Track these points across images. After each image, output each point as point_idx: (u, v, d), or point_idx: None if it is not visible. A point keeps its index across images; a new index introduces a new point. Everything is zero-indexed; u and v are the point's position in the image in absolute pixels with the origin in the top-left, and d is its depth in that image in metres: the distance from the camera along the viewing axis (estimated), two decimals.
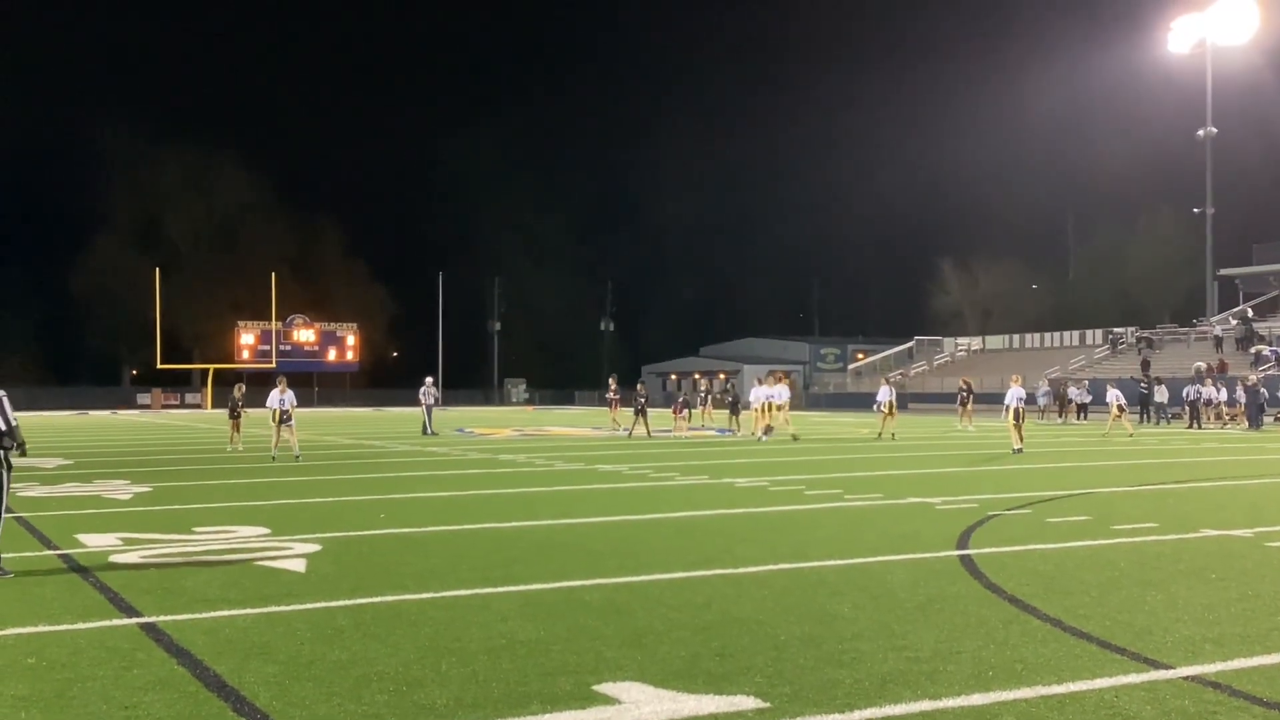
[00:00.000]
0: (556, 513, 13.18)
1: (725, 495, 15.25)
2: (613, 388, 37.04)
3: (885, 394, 32.04)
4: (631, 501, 14.68)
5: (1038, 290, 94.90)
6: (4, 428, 9.02)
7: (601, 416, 49.22)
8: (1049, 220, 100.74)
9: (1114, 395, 33.88)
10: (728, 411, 37.30)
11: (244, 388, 28.34)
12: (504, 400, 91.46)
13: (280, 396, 22.91)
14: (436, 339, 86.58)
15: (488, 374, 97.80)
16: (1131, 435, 32.01)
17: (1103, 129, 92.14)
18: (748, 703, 5.35)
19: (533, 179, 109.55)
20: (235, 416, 27.12)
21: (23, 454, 9.50)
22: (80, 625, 7.06)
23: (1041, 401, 46.84)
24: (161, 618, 7.23)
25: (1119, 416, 33.15)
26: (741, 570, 9.00)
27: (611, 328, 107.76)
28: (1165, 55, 68.21)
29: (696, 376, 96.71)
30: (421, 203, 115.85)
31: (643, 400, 32.94)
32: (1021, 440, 24.22)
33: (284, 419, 22.62)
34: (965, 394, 38.83)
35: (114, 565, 9.27)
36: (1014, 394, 24.55)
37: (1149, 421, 42.28)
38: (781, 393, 30.27)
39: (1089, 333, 71.25)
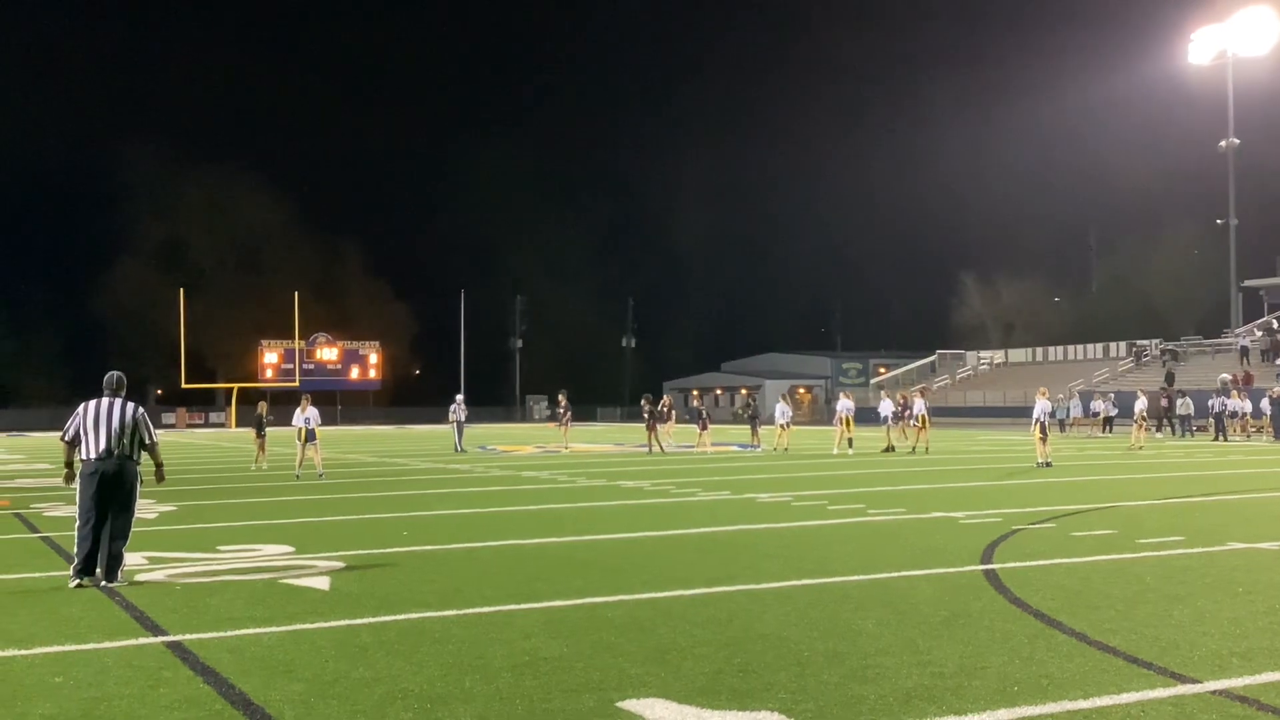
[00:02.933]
0: (579, 529, 13.19)
1: (748, 511, 15.23)
2: (645, 407, 35.19)
3: (919, 407, 31.93)
4: (654, 517, 14.67)
5: (1060, 303, 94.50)
6: (149, 442, 9.57)
7: (623, 433, 49.28)
8: (1071, 233, 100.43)
9: (1139, 405, 33.89)
10: (748, 427, 37.24)
11: (267, 406, 28.44)
12: (526, 417, 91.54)
13: (303, 415, 22.97)
14: (459, 357, 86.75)
15: (509, 391, 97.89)
16: (1140, 448, 31.80)
17: (1124, 141, 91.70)
18: (772, 719, 5.34)
19: (553, 197, 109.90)
20: (260, 435, 27.29)
21: (159, 478, 9.93)
22: (107, 644, 7.10)
23: (1072, 414, 46.60)
24: (187, 636, 7.27)
25: (1141, 426, 33.15)
26: (764, 586, 8.98)
27: (633, 344, 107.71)
28: (1186, 67, 67.90)
29: (718, 392, 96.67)
30: (443, 221, 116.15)
31: (666, 408, 33.28)
32: (1047, 454, 24.11)
33: (308, 437, 22.69)
34: (902, 408, 39.04)
35: (140, 584, 9.32)
36: (1040, 407, 24.45)
37: (1174, 434, 42.04)
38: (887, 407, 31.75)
39: (1113, 345, 70.84)
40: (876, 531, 12.76)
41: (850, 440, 31.62)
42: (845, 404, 33.13)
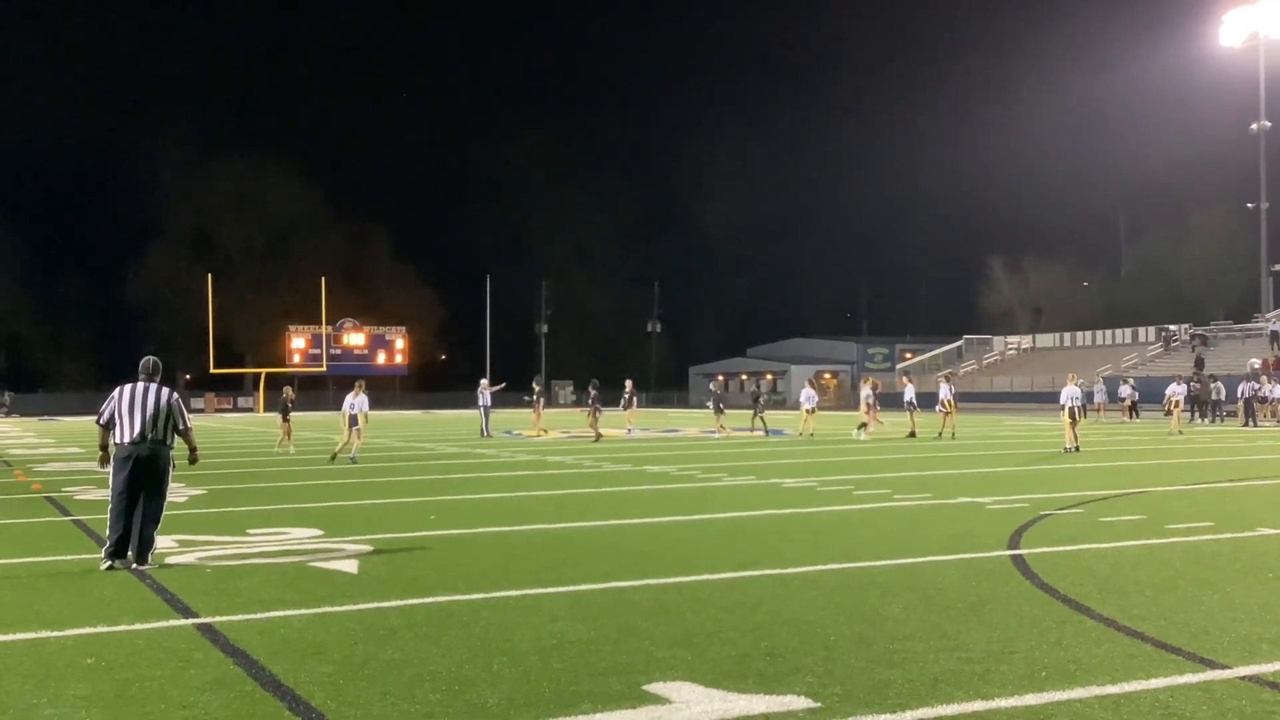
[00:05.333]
0: (605, 514, 13.22)
1: (773, 496, 15.22)
2: (591, 393, 32.75)
3: (945, 392, 31.79)
4: (680, 502, 14.68)
5: (1089, 288, 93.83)
6: (182, 427, 9.67)
7: (648, 418, 49.33)
8: (1100, 217, 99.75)
9: (1177, 390, 33.85)
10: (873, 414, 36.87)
11: (292, 390, 28.73)
12: (552, 402, 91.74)
13: (352, 400, 23.25)
14: (484, 342, 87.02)
15: (535, 376, 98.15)
16: (1179, 433, 31.75)
17: (1154, 124, 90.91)
18: (799, 703, 5.35)
19: (579, 182, 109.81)
20: (285, 419, 27.54)
21: (193, 460, 10.08)
22: (138, 626, 7.17)
23: (1096, 399, 46.25)
24: (217, 618, 7.33)
25: (1175, 411, 33.19)
26: (791, 571, 8.98)
27: (659, 329, 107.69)
28: (1217, 49, 67.22)
29: (743, 377, 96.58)
30: (469, 207, 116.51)
31: (629, 395, 33.08)
32: (1076, 439, 24.05)
33: (351, 422, 22.92)
34: (871, 394, 39.16)
35: (170, 566, 9.40)
36: (1068, 393, 24.47)
37: (1203, 420, 41.75)
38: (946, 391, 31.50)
39: (1142, 330, 70.36)
40: (903, 517, 12.73)
41: (864, 425, 31.41)
42: (945, 390, 32.52)
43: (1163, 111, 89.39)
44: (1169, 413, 34.84)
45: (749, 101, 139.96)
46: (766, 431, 33.64)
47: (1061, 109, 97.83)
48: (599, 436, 30.83)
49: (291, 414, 27.92)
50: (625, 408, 37.66)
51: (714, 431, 33.49)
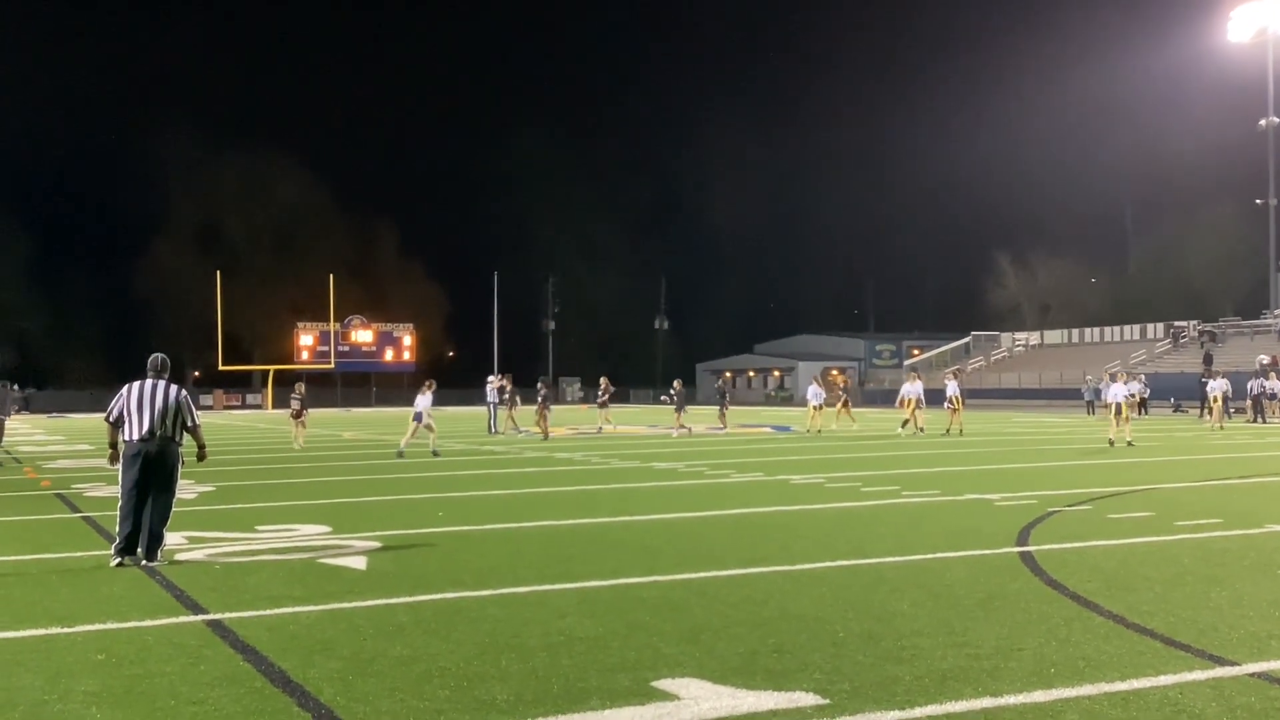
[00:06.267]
0: (613, 510, 13.23)
1: (781, 492, 15.22)
2: (542, 390, 32.06)
3: (952, 389, 31.83)
4: (688, 499, 14.68)
5: (1097, 284, 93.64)
6: (191, 424, 9.72)
7: (657, 415, 49.27)
8: (1108, 213, 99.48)
9: (1217, 386, 33.90)
10: (838, 409, 37.07)
11: (304, 388, 29.04)
12: (559, 399, 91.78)
13: (420, 397, 24.07)
14: (492, 338, 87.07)
15: (543, 372, 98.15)
16: (1220, 428, 32.20)
17: (1162, 120, 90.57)
18: (807, 699, 5.35)
19: (586, 178, 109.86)
20: (298, 416, 27.75)
21: (201, 458, 10.21)
22: (148, 622, 7.19)
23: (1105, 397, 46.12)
24: (227, 614, 7.35)
25: (1217, 407, 33.58)
26: (799, 567, 8.99)
27: (666, 325, 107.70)
28: (1225, 44, 66.99)
29: (751, 374, 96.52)
30: (476, 203, 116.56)
31: (604, 392, 32.87)
32: (1123, 434, 24.95)
33: (417, 418, 23.73)
34: (842, 390, 39.64)
35: (180, 563, 9.42)
36: (1115, 390, 25.73)
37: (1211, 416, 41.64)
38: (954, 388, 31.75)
39: (1150, 326, 70.23)
40: (911, 513, 12.73)
41: (906, 422, 31.46)
42: (911, 387, 32.64)
43: (1171, 107, 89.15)
44: (1210, 410, 35.16)
45: (756, 97, 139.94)
46: (724, 426, 33.64)
47: (1069, 104, 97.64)
48: (546, 435, 30.04)
49: (305, 411, 28.15)
50: (600, 406, 36.45)
51: (674, 429, 32.55)
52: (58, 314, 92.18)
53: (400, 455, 22.67)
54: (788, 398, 72.52)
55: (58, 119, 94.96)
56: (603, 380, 37.18)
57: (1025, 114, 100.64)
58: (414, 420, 23.78)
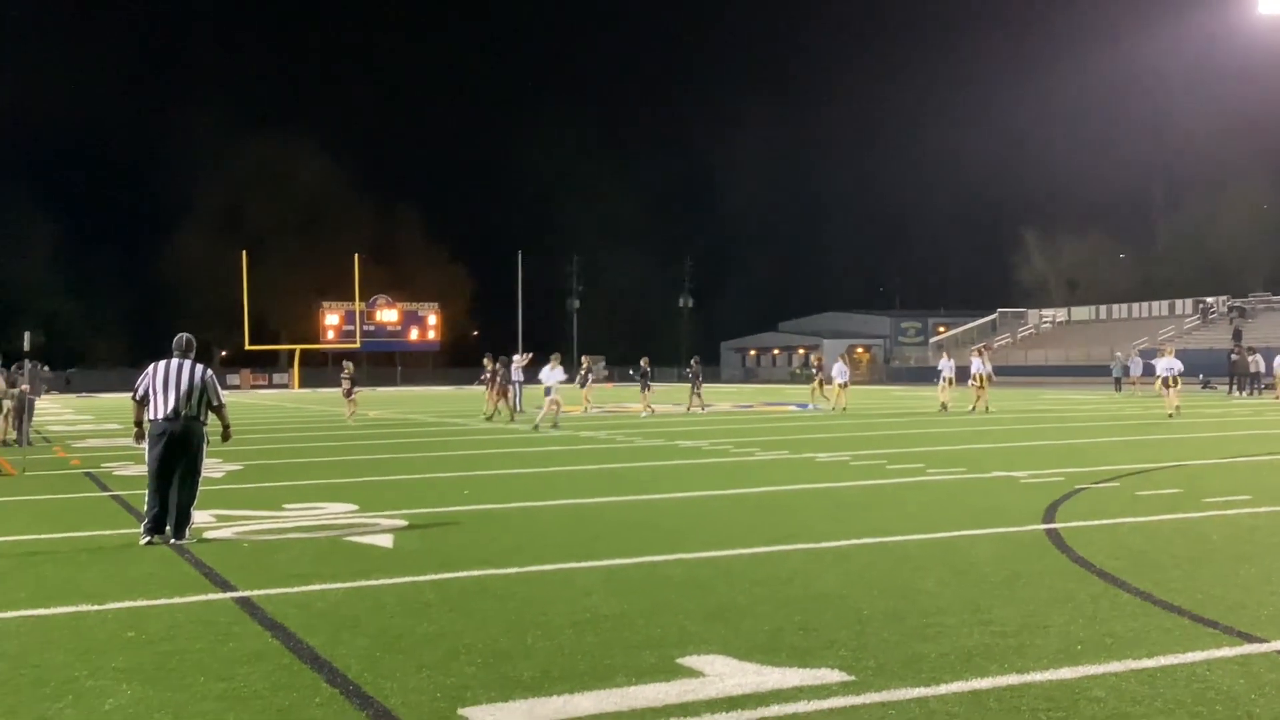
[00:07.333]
0: (638, 489, 13.25)
1: (806, 470, 15.21)
2: (495, 367, 31.03)
3: (977, 365, 31.65)
4: (712, 477, 14.69)
5: (1125, 260, 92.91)
6: (215, 403, 9.75)
7: (681, 394, 49.26)
8: (1136, 188, 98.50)
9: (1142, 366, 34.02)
10: (812, 386, 37.17)
11: (352, 367, 30.65)
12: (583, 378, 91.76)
13: (547, 371, 25.28)
14: (516, 318, 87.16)
15: (567, 352, 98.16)
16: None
17: (1191, 93, 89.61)
18: (832, 676, 5.35)
19: (610, 158, 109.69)
20: (348, 394, 29.38)
21: (226, 438, 10.20)
22: (177, 600, 7.25)
23: (1133, 373, 45.83)
24: (255, 592, 7.41)
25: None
26: (823, 545, 8.98)
27: (690, 304, 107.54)
28: (1255, 17, 66.13)
29: (775, 352, 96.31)
30: (500, 183, 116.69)
31: (585, 370, 32.64)
32: (1174, 406, 26.78)
33: (547, 392, 24.85)
34: (816, 370, 39.43)
35: (208, 541, 9.50)
36: (1164, 364, 27.55)
37: (1241, 392, 41.34)
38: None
39: (1179, 302, 69.74)
40: (936, 491, 12.70)
41: (945, 405, 31.19)
42: (978, 364, 32.21)
43: (1199, 81, 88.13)
44: (1272, 386, 35.70)
45: (780, 74, 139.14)
46: (703, 408, 33.33)
47: (1097, 79, 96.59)
48: (513, 417, 28.95)
49: (355, 389, 29.67)
50: (581, 385, 34.38)
51: (644, 410, 31.91)
52: (86, 295, 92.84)
53: (553, 427, 23.93)
54: (811, 376, 72.20)
55: (85, 102, 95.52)
56: (584, 359, 36.87)
57: (1053, 89, 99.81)
58: (545, 395, 25.06)
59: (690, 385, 34.97)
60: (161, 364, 9.68)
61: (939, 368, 33.41)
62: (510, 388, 31.36)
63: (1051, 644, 5.86)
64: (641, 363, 34.38)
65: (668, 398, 41.11)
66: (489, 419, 28.90)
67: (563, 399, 25.45)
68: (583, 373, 34.72)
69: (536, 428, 24.27)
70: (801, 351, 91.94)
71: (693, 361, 35.76)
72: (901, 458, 16.59)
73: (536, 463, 17.02)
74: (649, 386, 33.76)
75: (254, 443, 21.81)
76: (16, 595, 7.47)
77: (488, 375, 30.73)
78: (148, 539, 9.35)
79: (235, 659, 5.79)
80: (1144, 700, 4.96)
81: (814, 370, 40.11)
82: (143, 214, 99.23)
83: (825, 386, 36.63)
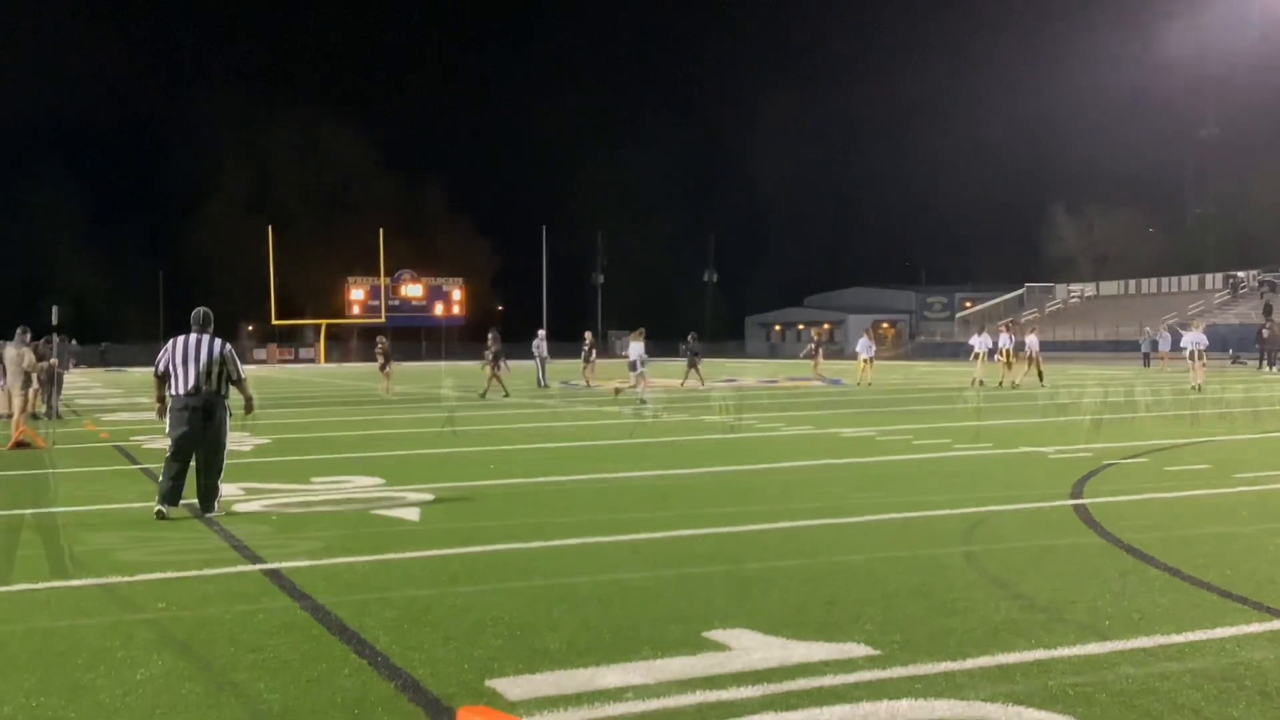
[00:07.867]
0: (663, 464, 13.26)
1: (832, 445, 15.18)
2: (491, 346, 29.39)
3: (1004, 340, 31.49)
4: (738, 452, 14.69)
5: (1154, 234, 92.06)
6: (236, 377, 9.75)
7: (705, 368, 49.20)
8: (1166, 162, 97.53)
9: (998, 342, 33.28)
10: (814, 361, 37.16)
11: (387, 342, 31.39)
12: (605, 352, 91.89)
13: (633, 344, 26.18)
14: (540, 293, 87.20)
15: (591, 327, 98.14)
16: None
17: (1221, 66, 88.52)
18: (858, 650, 5.35)
19: (635, 131, 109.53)
20: (384, 368, 30.14)
21: (248, 410, 10.28)
22: (207, 571, 7.31)
23: (1161, 348, 45.51)
24: (284, 564, 7.46)
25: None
26: (849, 520, 8.97)
27: (715, 279, 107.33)
28: None
29: (800, 327, 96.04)
30: (524, 158, 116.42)
31: (588, 347, 33.23)
32: (1200, 380, 27.59)
33: (632, 366, 25.53)
34: (815, 346, 39.29)
35: (237, 514, 9.57)
36: (1191, 338, 28.45)
37: (1271, 367, 41.02)
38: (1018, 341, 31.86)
39: (1208, 277, 69.08)
40: (963, 466, 12.65)
41: (979, 380, 31.01)
42: (1004, 338, 31.90)
43: (1231, 53, 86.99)
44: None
45: (808, 49, 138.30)
46: (702, 383, 32.77)
47: (1127, 52, 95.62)
48: (507, 394, 28.05)
49: (390, 363, 30.28)
50: (585, 360, 34.72)
51: (636, 389, 31.45)
52: (114, 270, 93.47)
53: (643, 403, 24.22)
54: (837, 350, 72.05)
55: (113, 79, 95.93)
56: (586, 335, 36.96)
57: (1083, 62, 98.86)
58: (631, 370, 25.83)
59: (687, 361, 34.39)
60: (181, 339, 9.71)
61: (971, 343, 33.34)
62: (502, 364, 30.31)
63: (1079, 619, 5.84)
64: (690, 338, 34.37)
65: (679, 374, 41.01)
66: (483, 396, 27.94)
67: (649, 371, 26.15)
68: (585, 348, 34.85)
69: (644, 401, 24.60)
70: (826, 326, 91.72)
71: (690, 337, 34.80)
72: (928, 433, 16.54)
73: (562, 437, 17.05)
74: (697, 363, 33.76)
75: (281, 416, 21.93)
76: (48, 567, 7.55)
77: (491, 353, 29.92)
78: (160, 509, 9.39)
79: (265, 630, 5.84)
80: (1172, 675, 4.94)
81: (813, 345, 39.78)
82: (172, 189, 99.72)
83: (820, 365, 36.76)
